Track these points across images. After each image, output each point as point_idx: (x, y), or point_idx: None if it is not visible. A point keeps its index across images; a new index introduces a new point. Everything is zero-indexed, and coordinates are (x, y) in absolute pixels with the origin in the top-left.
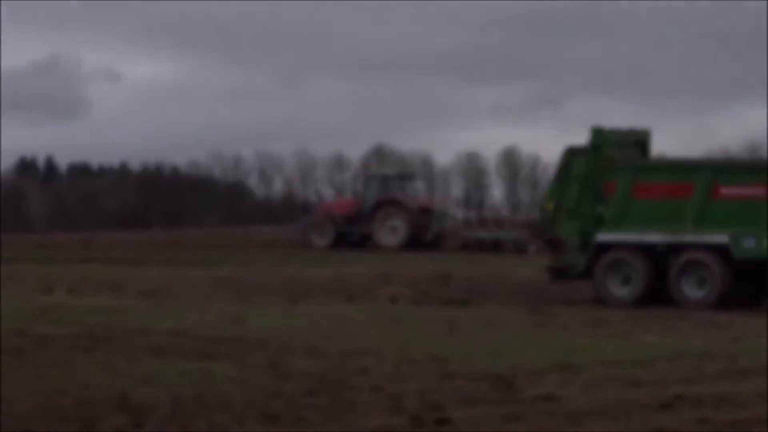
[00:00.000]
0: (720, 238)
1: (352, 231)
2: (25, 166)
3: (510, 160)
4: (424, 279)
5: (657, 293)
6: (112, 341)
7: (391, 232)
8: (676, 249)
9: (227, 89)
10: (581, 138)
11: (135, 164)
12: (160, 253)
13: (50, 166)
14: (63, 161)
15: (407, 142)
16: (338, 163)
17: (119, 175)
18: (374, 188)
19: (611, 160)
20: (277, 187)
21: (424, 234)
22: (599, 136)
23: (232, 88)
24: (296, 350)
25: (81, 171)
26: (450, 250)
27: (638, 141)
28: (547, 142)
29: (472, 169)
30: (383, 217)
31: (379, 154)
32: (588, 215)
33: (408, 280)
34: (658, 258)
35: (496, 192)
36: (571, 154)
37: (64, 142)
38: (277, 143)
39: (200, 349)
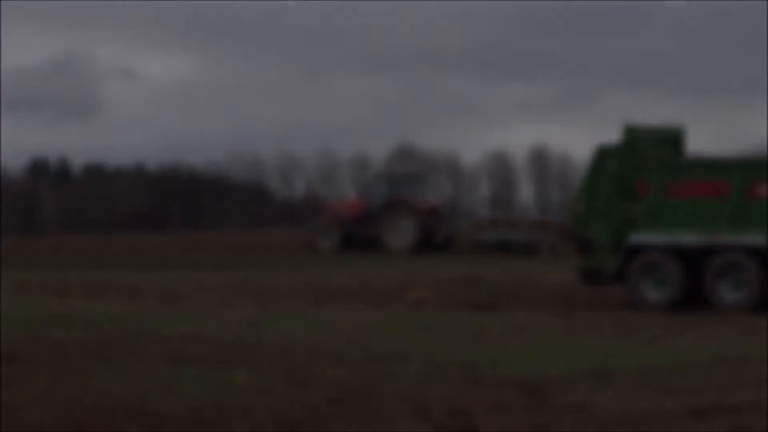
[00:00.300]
0: (757, 239)
1: (359, 233)
2: (38, 166)
3: (539, 159)
4: (449, 282)
5: (692, 296)
6: (128, 348)
7: (399, 234)
8: (711, 251)
9: (246, 86)
10: (613, 136)
11: (151, 165)
12: (177, 256)
13: (64, 166)
14: (77, 162)
15: (433, 140)
16: (362, 162)
17: (135, 175)
18: (382, 189)
19: (644, 159)
20: (299, 188)
21: (434, 236)
22: (632, 133)
23: (251, 85)
24: (319, 357)
25: (95, 172)
26: (460, 252)
27: (672, 139)
28: (577, 141)
29: (500, 168)
30: (391, 219)
31: (404, 153)
32: (620, 216)
33: (433, 283)
34: (692, 260)
35: (525, 192)
36: (603, 153)
37: (77, 142)
38: (298, 142)
39: (219, 356)
